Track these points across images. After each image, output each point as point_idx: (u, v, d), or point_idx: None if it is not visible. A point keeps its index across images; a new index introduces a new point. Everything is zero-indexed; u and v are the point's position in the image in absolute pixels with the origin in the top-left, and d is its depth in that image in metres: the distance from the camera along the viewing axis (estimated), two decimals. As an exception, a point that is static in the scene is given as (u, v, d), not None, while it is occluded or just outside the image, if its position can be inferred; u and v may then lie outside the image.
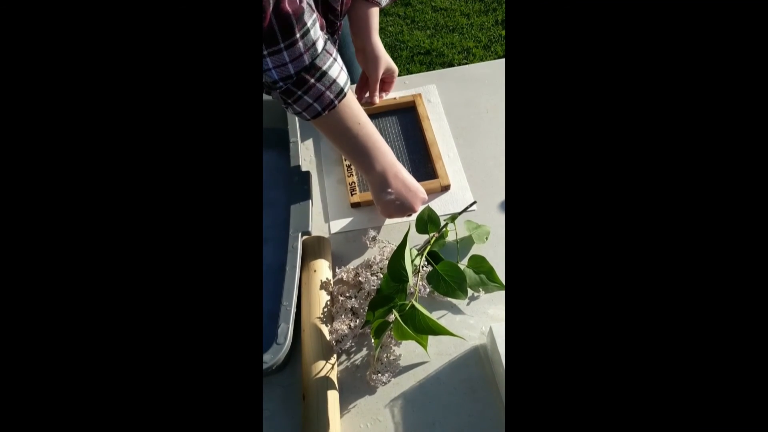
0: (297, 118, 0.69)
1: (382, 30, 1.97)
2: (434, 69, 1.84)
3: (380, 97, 0.81)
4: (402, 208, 0.65)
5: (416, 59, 1.88)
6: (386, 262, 0.61)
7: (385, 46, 1.73)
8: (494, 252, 0.64)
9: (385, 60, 0.78)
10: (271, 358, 0.50)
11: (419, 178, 0.72)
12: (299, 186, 0.63)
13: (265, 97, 0.71)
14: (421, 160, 0.75)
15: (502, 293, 0.61)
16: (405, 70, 1.83)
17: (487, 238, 0.66)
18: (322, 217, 0.70)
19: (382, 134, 0.65)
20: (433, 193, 0.72)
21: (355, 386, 0.56)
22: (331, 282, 0.61)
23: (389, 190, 0.63)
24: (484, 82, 0.84)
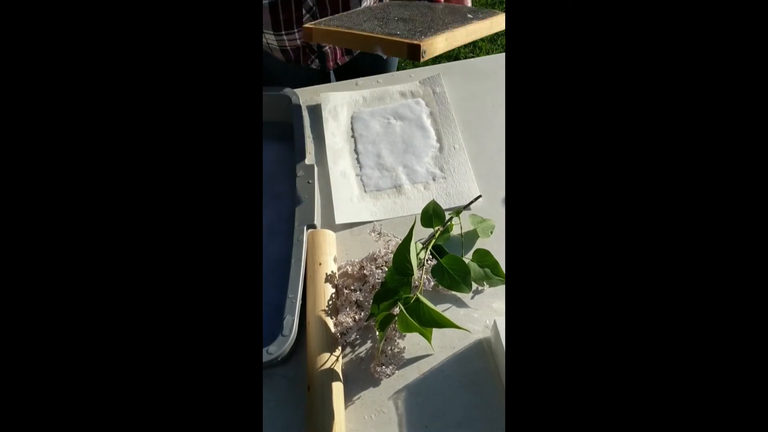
0: (303, 111, 0.69)
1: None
2: (440, 62, 1.83)
3: None
4: None
5: (422, 52, 1.87)
6: (391, 255, 0.62)
7: (390, 40, 1.67)
8: (498, 246, 0.64)
9: None
10: (277, 349, 0.50)
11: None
12: (304, 179, 0.63)
13: (268, 90, 0.71)
14: None
15: (507, 287, 0.62)
16: (410, 63, 1.83)
17: (491, 232, 0.66)
18: (327, 210, 0.70)
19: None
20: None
21: (359, 378, 0.57)
22: (336, 275, 0.62)
23: None
24: (490, 76, 0.84)
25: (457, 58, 1.82)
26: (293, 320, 0.52)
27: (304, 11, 0.73)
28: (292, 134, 0.68)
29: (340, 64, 0.80)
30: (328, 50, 0.77)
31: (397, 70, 0.93)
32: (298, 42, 0.75)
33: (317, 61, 0.78)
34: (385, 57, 0.68)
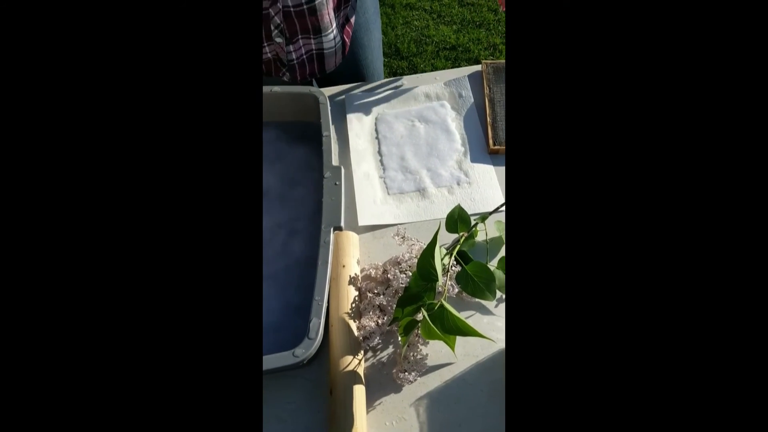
0: (329, 111, 0.69)
1: (407, 24, 1.96)
2: (460, 65, 1.83)
3: None
4: None
5: (441, 54, 1.86)
6: (415, 260, 0.61)
7: (410, 41, 1.74)
8: (524, 254, 0.64)
9: None
10: (303, 352, 0.50)
11: None
12: (331, 180, 0.63)
13: (294, 89, 0.71)
14: None
15: (531, 296, 0.61)
16: (430, 66, 1.82)
17: (516, 240, 0.65)
18: (350, 212, 0.70)
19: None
20: None
21: (380, 383, 0.56)
22: (360, 278, 0.61)
23: None
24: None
25: (477, 61, 1.81)
26: (319, 323, 0.52)
27: (272, 27, 0.76)
28: (318, 134, 0.67)
29: (307, 78, 0.84)
30: (296, 63, 0.80)
31: (422, 72, 0.92)
32: (269, 55, 0.79)
33: (288, 74, 0.80)
34: None
